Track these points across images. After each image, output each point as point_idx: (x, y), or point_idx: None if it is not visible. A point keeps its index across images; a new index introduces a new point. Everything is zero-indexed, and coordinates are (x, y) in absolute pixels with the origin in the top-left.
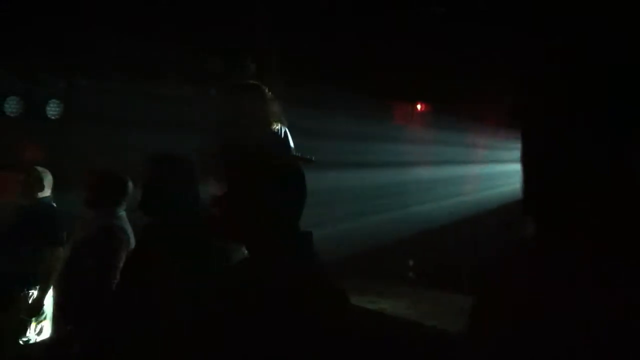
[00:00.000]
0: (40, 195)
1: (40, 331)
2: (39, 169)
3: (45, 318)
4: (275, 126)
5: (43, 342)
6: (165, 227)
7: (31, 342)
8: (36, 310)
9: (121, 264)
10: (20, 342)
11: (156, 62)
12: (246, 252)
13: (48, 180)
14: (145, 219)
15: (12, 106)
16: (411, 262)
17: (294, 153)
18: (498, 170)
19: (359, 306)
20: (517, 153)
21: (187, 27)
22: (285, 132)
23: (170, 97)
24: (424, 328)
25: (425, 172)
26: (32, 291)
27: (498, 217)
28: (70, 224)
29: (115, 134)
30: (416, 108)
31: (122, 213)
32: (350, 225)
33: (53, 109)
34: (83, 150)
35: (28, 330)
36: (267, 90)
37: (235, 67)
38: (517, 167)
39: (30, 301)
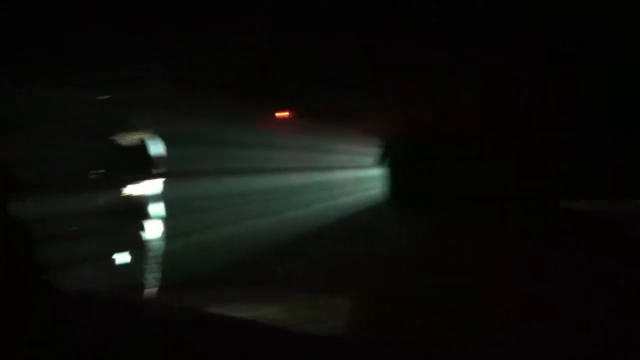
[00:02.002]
0: None
1: None
2: None
3: None
4: None
5: None
6: None
7: None
8: None
9: None
10: None
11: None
12: None
13: None
14: None
15: None
16: (284, 267)
17: (159, 169)
18: (359, 176)
19: (228, 316)
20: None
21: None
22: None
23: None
24: (296, 333)
25: (291, 178)
26: None
27: (361, 221)
28: None
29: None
30: (279, 114)
31: None
32: (223, 233)
33: None
34: None
35: None
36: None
37: None
38: (375, 172)
39: None
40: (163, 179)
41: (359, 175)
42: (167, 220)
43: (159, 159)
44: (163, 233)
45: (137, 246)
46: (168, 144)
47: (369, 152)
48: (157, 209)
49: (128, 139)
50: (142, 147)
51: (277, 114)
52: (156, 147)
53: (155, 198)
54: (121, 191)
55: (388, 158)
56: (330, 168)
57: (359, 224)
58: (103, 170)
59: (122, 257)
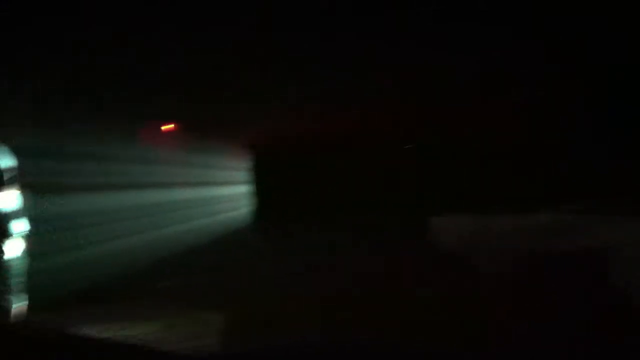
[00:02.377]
0: None
1: None
2: None
3: None
4: None
5: None
6: None
7: None
8: None
9: None
10: None
11: None
12: None
13: None
14: None
15: None
16: (164, 284)
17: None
18: (239, 191)
19: (99, 337)
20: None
21: None
22: None
23: None
24: (173, 352)
25: (171, 193)
26: None
27: (238, 236)
28: None
29: None
30: (164, 128)
31: None
32: (97, 250)
33: None
34: None
35: None
36: None
37: None
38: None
39: None
40: (16, 193)
41: (239, 191)
42: (31, 237)
43: (7, 172)
44: (25, 251)
45: None
46: (27, 156)
47: (248, 167)
48: (16, 225)
49: None
50: None
51: (162, 127)
52: (4, 160)
53: (13, 214)
54: None
55: (262, 173)
56: (209, 183)
57: (237, 239)
58: None
59: None
